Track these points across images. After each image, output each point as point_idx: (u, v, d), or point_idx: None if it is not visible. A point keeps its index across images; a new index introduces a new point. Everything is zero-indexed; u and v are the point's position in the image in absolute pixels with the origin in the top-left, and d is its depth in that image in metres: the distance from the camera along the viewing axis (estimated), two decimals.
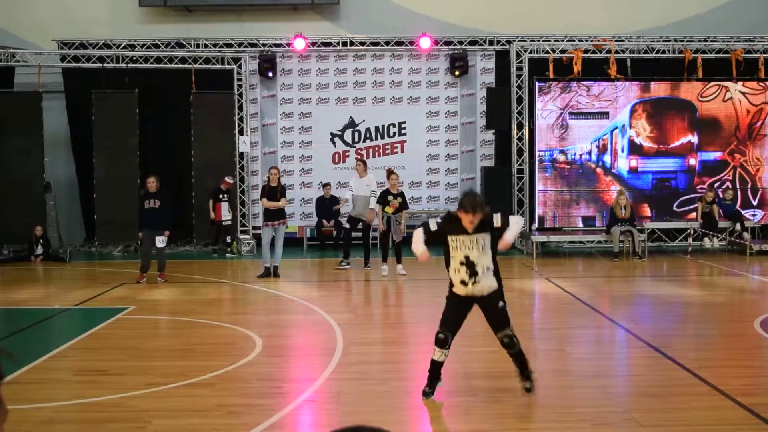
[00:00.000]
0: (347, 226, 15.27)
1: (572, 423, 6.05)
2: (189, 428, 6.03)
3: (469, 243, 6.25)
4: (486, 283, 6.32)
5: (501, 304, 6.43)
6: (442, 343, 6.42)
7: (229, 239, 17.78)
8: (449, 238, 6.34)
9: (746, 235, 16.79)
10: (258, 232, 16.91)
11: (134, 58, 18.07)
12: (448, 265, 6.46)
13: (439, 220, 6.49)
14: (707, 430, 5.90)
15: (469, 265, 6.25)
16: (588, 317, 10.48)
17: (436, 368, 6.49)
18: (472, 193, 6.41)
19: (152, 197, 13.58)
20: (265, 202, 14.00)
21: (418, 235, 6.52)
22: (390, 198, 14.21)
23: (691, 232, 17.39)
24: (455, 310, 6.45)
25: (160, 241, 13.50)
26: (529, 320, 10.81)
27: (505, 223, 6.34)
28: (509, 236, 6.34)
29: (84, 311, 11.31)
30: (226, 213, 17.58)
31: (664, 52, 18.25)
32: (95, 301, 11.93)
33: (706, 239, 17.13)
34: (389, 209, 14.16)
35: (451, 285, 6.45)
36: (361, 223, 14.95)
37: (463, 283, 6.31)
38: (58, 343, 9.12)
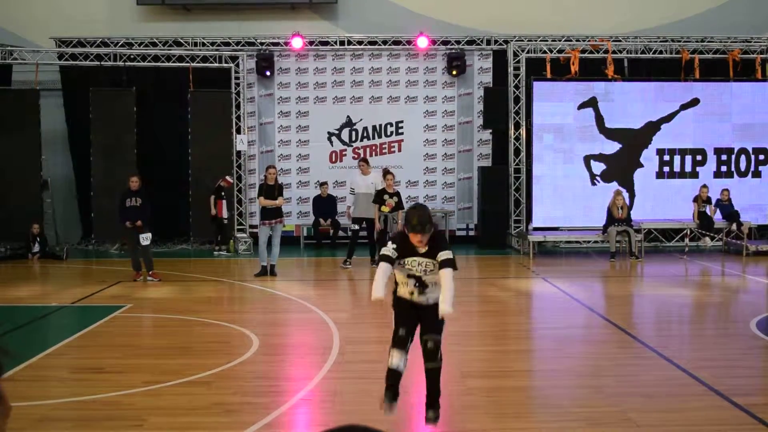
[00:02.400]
0: (355, 227, 15.26)
1: (568, 423, 6.10)
2: (185, 426, 6.06)
3: (417, 266, 5.81)
4: (432, 295, 5.87)
5: (441, 318, 5.76)
6: (402, 342, 5.89)
7: (219, 238, 17.86)
8: (402, 260, 5.82)
9: (744, 226, 16.83)
10: (255, 230, 16.96)
11: (132, 57, 18.09)
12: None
13: (393, 245, 5.84)
14: (703, 430, 5.95)
15: (419, 281, 5.88)
16: (584, 317, 10.55)
17: (394, 377, 5.88)
18: (420, 207, 5.87)
19: (134, 195, 13.66)
20: (263, 200, 14.08)
21: (381, 272, 5.81)
22: (386, 197, 14.42)
23: (688, 233, 17.48)
24: (406, 310, 5.98)
25: (144, 239, 13.53)
26: (525, 320, 10.99)
27: (443, 265, 5.70)
28: (446, 298, 5.64)
29: (81, 309, 11.33)
30: (225, 211, 17.73)
31: (661, 52, 18.35)
32: (92, 299, 11.96)
33: (707, 239, 17.25)
34: (385, 208, 14.38)
35: (395, 290, 6.08)
36: (364, 222, 15.01)
37: (411, 294, 5.94)
38: (55, 340, 9.17)
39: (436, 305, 5.71)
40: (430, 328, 5.86)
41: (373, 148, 19.15)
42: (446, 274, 5.71)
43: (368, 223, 15.01)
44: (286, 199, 16.74)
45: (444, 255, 5.73)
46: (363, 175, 15.16)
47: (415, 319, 5.95)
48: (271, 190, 14.08)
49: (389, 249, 5.81)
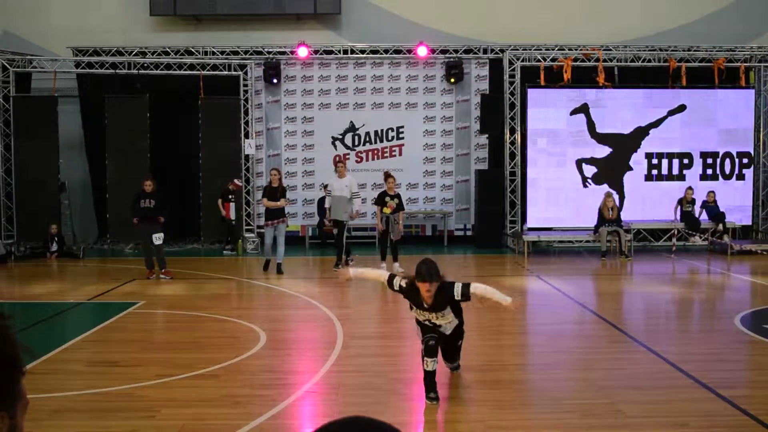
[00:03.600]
0: (335, 230, 15.33)
1: (561, 414, 6.20)
2: (196, 417, 6.16)
3: (428, 315, 6.43)
4: (448, 327, 6.53)
5: (459, 342, 6.76)
6: (433, 351, 6.44)
7: (229, 238, 18.24)
8: (410, 303, 6.55)
9: (726, 238, 17.21)
10: (262, 230, 17.12)
11: (145, 65, 18.39)
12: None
13: (403, 283, 6.46)
14: (689, 421, 6.02)
15: (433, 325, 6.51)
16: (576, 313, 10.75)
17: (431, 377, 6.47)
18: (428, 261, 6.32)
19: (148, 197, 13.92)
20: (266, 201, 14.52)
21: (376, 271, 6.67)
22: (387, 199, 14.58)
23: (675, 233, 17.82)
24: (428, 327, 6.57)
25: (157, 239, 13.80)
26: (520, 316, 10.82)
27: (465, 295, 6.33)
28: (499, 298, 6.37)
29: (96, 305, 11.56)
30: (233, 213, 18.09)
31: (650, 60, 18.65)
32: (107, 296, 12.20)
33: (696, 238, 17.62)
34: (387, 210, 14.53)
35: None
36: (336, 226, 15.12)
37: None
38: (72, 335, 9.35)
39: (454, 336, 6.62)
40: (452, 356, 6.82)
41: (375, 152, 19.53)
42: (477, 289, 6.39)
43: (337, 225, 15.06)
44: (292, 201, 17.17)
45: (458, 291, 6.35)
46: (339, 178, 15.02)
47: (438, 332, 6.54)
48: (274, 191, 14.50)
49: (397, 281, 6.51)
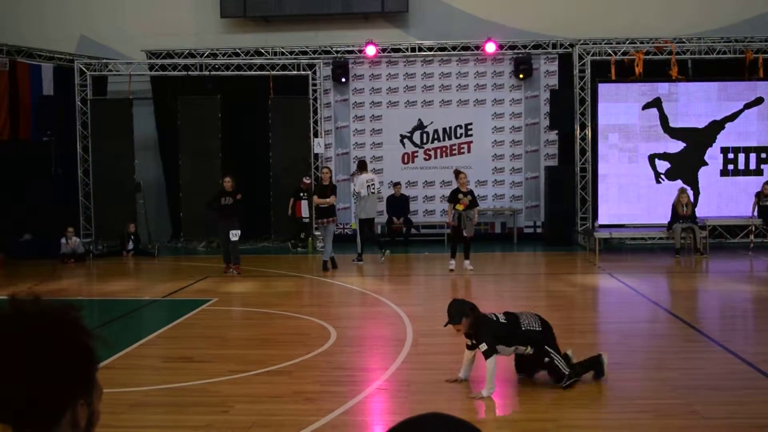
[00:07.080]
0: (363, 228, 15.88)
1: (635, 414, 6.14)
2: (268, 413, 6.28)
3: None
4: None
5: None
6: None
7: (303, 235, 18.50)
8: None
9: None
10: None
11: (216, 66, 18.75)
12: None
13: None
14: None
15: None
16: (650, 311, 10.62)
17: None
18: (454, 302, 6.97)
19: (228, 195, 14.35)
20: (316, 199, 14.94)
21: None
22: (460, 196, 14.37)
23: (753, 229, 17.40)
24: None
25: (234, 235, 14.22)
26: (592, 314, 11.07)
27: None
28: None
29: (171, 302, 11.89)
30: (305, 211, 18.31)
31: (725, 52, 18.23)
32: (181, 293, 12.51)
33: None
34: (459, 207, 14.33)
35: None
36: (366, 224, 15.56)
37: None
38: (148, 331, 9.64)
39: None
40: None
41: (444, 149, 19.55)
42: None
43: (369, 222, 15.76)
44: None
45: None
46: (360, 176, 15.53)
47: None
48: (325, 189, 14.79)
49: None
